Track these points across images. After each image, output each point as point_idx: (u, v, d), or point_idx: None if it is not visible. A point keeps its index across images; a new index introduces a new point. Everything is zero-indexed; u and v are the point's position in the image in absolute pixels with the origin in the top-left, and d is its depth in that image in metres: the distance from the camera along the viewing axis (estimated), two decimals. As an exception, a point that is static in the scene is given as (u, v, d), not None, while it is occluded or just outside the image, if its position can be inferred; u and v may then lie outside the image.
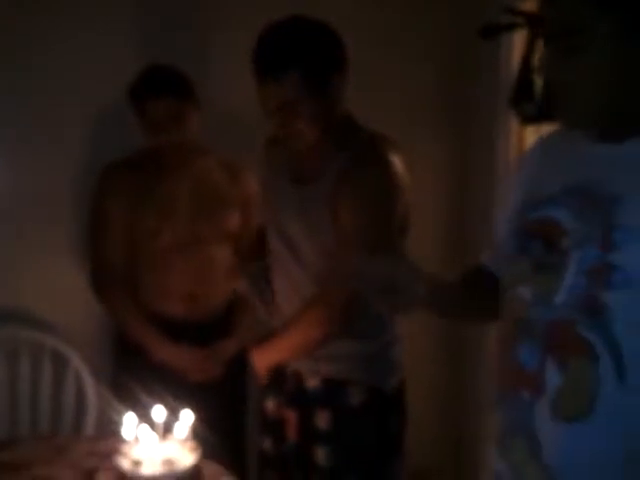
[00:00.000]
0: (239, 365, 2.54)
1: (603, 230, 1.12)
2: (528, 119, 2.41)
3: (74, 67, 2.66)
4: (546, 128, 2.95)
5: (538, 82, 2.15)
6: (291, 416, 2.10)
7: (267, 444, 2.20)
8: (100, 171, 2.49)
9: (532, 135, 2.71)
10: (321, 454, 2.04)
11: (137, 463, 1.78)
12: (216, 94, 2.61)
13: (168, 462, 1.78)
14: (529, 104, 2.32)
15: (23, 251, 2.70)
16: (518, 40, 2.60)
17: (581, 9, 1.15)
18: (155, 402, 1.96)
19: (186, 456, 1.81)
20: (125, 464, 1.79)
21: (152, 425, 1.87)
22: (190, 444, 1.86)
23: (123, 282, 2.50)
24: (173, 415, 1.92)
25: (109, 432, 2.25)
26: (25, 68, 2.64)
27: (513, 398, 1.23)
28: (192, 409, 1.92)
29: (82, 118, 2.72)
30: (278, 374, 2.15)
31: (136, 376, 2.36)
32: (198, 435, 1.93)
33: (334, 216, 1.94)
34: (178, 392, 2.21)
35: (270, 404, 2.19)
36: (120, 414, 1.97)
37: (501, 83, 2.74)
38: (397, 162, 1.96)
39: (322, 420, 2.04)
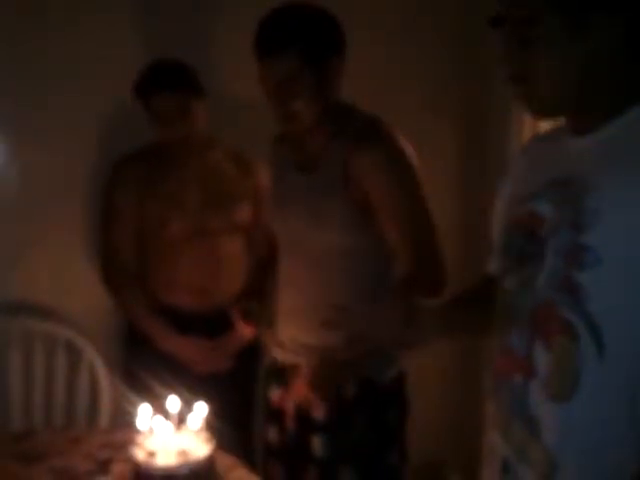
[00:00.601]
0: (248, 356, 2.57)
1: (574, 214, 1.16)
2: (540, 114, 2.41)
3: (85, 62, 2.67)
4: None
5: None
6: (289, 406, 2.12)
7: (271, 434, 2.22)
8: (111, 165, 2.51)
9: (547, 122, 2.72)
10: (317, 444, 2.06)
11: (151, 454, 1.79)
12: (223, 86, 2.62)
13: (182, 453, 1.79)
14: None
15: (36, 246, 2.72)
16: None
17: (532, 1, 1.19)
18: (168, 393, 1.98)
19: (200, 447, 1.82)
20: (139, 455, 1.80)
21: (166, 416, 1.89)
22: (204, 435, 1.87)
23: (133, 274, 2.52)
24: (187, 406, 1.93)
25: (123, 423, 2.27)
26: (37, 63, 2.65)
27: (507, 383, 1.27)
28: (203, 399, 1.94)
29: (93, 113, 2.72)
30: (280, 365, 2.16)
31: (148, 367, 2.38)
32: (211, 426, 1.95)
33: (350, 196, 1.96)
34: (189, 383, 2.23)
35: (273, 395, 2.20)
36: (134, 405, 1.99)
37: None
38: (403, 140, 2.00)
39: (317, 411, 2.05)
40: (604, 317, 1.12)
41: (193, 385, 2.20)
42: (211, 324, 2.51)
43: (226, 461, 1.96)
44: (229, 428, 2.25)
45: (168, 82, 2.36)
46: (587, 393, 1.15)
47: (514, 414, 1.26)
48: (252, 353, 2.59)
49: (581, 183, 1.17)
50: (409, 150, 2.00)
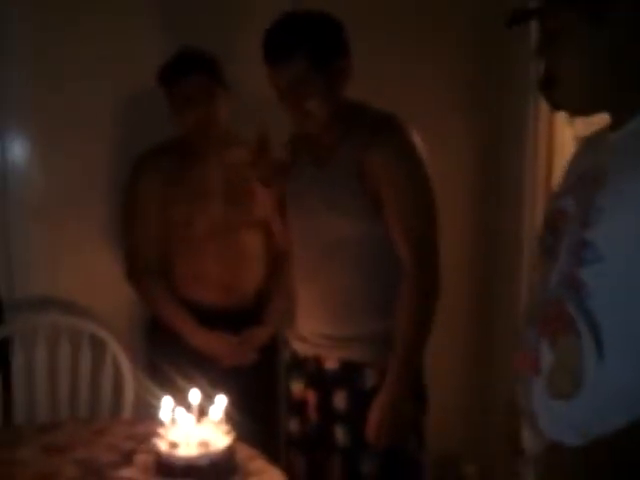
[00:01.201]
0: (271, 350, 2.59)
1: (585, 210, 1.17)
2: (557, 106, 2.41)
3: (105, 58, 2.70)
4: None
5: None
6: (311, 397, 2.16)
7: (293, 425, 2.25)
8: (134, 161, 2.53)
9: (562, 120, 2.71)
10: (340, 433, 2.10)
11: (173, 445, 1.81)
12: (241, 84, 2.62)
13: (203, 444, 1.82)
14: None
15: (62, 243, 2.75)
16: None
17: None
18: (190, 386, 2.01)
19: (221, 438, 1.85)
20: (162, 446, 1.83)
21: (188, 408, 1.91)
22: (225, 427, 1.89)
23: (157, 270, 2.54)
24: (208, 398, 1.96)
25: (146, 415, 2.30)
26: (56, 61, 2.68)
27: (521, 377, 1.29)
28: (225, 393, 1.96)
29: (114, 111, 2.76)
30: (301, 358, 2.19)
31: (171, 360, 2.41)
32: (232, 418, 1.97)
33: (363, 188, 2.00)
34: (211, 376, 2.26)
35: (295, 386, 2.23)
36: (157, 397, 2.01)
37: (531, 68, 2.74)
38: (415, 133, 2.04)
39: (339, 400, 2.10)
40: (603, 315, 1.12)
41: (215, 378, 2.23)
42: (235, 318, 2.52)
43: (246, 452, 1.98)
44: (251, 420, 2.26)
45: (193, 65, 2.40)
46: (588, 393, 1.14)
47: (526, 407, 1.28)
48: (273, 346, 2.61)
49: (598, 179, 1.18)
50: (421, 146, 2.04)
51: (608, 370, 1.12)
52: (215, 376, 2.28)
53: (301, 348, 2.20)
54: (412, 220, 2.02)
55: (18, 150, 2.70)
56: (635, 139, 1.17)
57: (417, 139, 2.04)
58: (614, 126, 1.24)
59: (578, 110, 1.32)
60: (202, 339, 2.47)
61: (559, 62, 1.23)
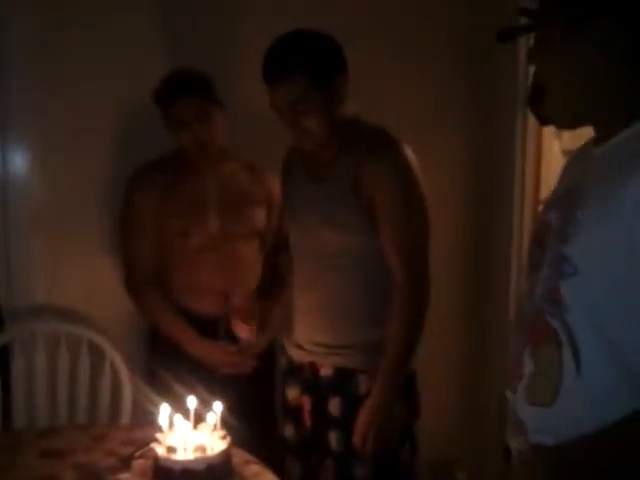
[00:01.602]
0: (268, 357, 2.62)
1: (565, 224, 1.19)
2: (544, 120, 2.45)
3: (104, 72, 2.73)
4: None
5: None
6: (306, 402, 2.20)
7: (288, 430, 2.29)
8: (131, 174, 2.56)
9: (550, 134, 2.76)
10: (334, 439, 2.14)
11: (171, 450, 1.84)
12: (237, 101, 2.67)
13: (200, 449, 1.84)
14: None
15: (61, 252, 2.79)
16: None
17: (542, 6, 1.25)
18: (187, 392, 2.04)
19: (217, 443, 1.87)
20: (160, 451, 1.85)
21: (185, 414, 1.94)
22: (220, 432, 1.92)
23: (155, 280, 2.57)
24: (204, 405, 1.99)
25: (144, 421, 2.33)
26: (57, 72, 2.72)
27: (512, 384, 1.31)
28: (223, 399, 1.99)
29: (115, 122, 2.79)
30: (297, 364, 2.24)
31: (169, 367, 2.45)
32: (228, 424, 2.01)
33: (360, 203, 2.05)
34: (209, 383, 2.30)
35: (291, 392, 2.28)
36: (154, 404, 2.05)
37: (520, 84, 2.78)
38: (407, 147, 2.09)
39: (333, 406, 2.14)
40: (580, 328, 1.15)
41: (213, 385, 2.27)
42: (230, 328, 2.54)
43: (242, 457, 2.01)
44: (249, 426, 2.31)
45: (188, 87, 2.43)
46: (566, 402, 1.17)
47: (514, 414, 1.31)
48: (270, 354, 2.63)
49: (579, 194, 1.20)
50: (414, 160, 2.09)
51: (584, 381, 1.15)
52: (213, 383, 2.31)
53: (297, 355, 2.24)
54: (404, 232, 2.07)
55: (18, 161, 2.73)
56: (615, 155, 1.19)
57: (410, 153, 2.09)
58: (598, 141, 1.26)
59: (563, 123, 1.34)
60: (200, 348, 2.49)
61: (547, 74, 1.26)
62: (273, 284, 2.65)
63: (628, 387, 1.13)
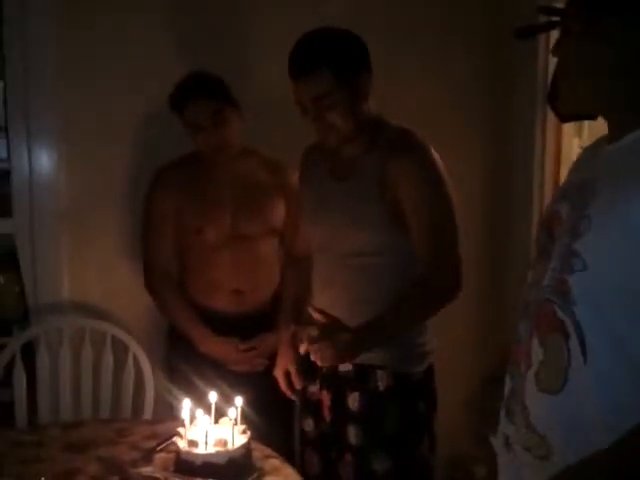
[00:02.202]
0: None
1: (577, 219, 1.21)
2: (564, 117, 2.45)
3: (125, 74, 2.78)
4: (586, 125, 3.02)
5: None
6: (326, 397, 2.22)
7: (308, 425, 2.31)
8: (152, 175, 2.59)
9: (570, 131, 2.76)
10: (352, 433, 2.15)
11: (192, 443, 1.86)
12: (258, 97, 2.70)
13: (221, 443, 1.87)
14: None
15: (85, 250, 2.83)
16: (555, 36, 2.64)
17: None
18: (208, 387, 2.06)
19: (237, 437, 1.89)
20: (181, 444, 1.88)
21: (206, 409, 1.96)
22: (241, 427, 1.94)
23: (173, 278, 2.60)
24: (225, 400, 2.01)
25: (166, 415, 2.37)
26: (84, 75, 2.76)
27: (516, 369, 1.33)
28: (242, 394, 2.01)
29: (136, 122, 2.82)
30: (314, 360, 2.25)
31: (189, 363, 2.48)
32: (248, 418, 2.03)
33: (384, 200, 2.06)
34: (228, 379, 2.32)
35: (310, 387, 2.29)
36: (176, 398, 2.07)
37: (539, 80, 2.78)
38: (435, 152, 2.10)
39: (352, 401, 2.15)
40: (587, 321, 1.17)
41: (232, 380, 2.30)
42: (249, 325, 2.56)
43: (261, 451, 2.04)
44: (268, 421, 2.33)
45: (202, 90, 2.45)
46: (573, 389, 1.19)
47: (516, 399, 1.32)
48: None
49: (591, 190, 1.21)
50: (440, 162, 2.10)
51: (591, 371, 1.17)
52: (232, 378, 2.34)
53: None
54: (431, 230, 2.06)
55: (44, 162, 2.76)
56: (627, 154, 1.20)
57: (436, 155, 2.10)
58: (611, 138, 1.26)
59: (576, 116, 1.36)
60: (210, 345, 2.51)
61: (563, 67, 1.27)
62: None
63: (632, 379, 1.15)
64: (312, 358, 2.05)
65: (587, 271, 1.17)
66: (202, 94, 2.44)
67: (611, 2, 1.20)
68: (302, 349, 2.17)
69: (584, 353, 1.18)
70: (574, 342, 1.19)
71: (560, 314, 1.21)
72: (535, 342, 1.26)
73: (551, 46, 1.33)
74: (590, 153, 1.38)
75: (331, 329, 2.02)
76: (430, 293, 2.08)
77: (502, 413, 1.38)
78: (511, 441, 1.34)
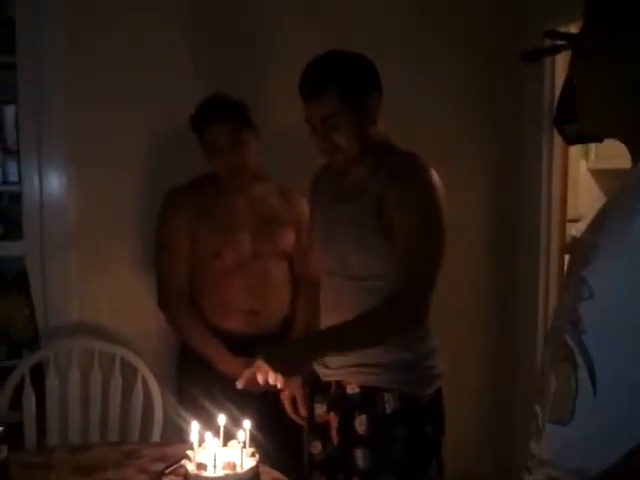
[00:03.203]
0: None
1: (587, 246, 1.20)
2: (571, 140, 2.46)
3: (138, 96, 2.81)
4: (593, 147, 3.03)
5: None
6: (333, 420, 2.22)
7: (315, 448, 2.31)
8: (165, 195, 2.61)
9: (576, 153, 2.77)
10: (360, 456, 2.14)
11: (201, 466, 1.86)
12: (272, 122, 2.74)
13: (229, 466, 1.86)
14: (571, 126, 2.37)
15: (95, 272, 2.85)
16: (561, 59, 2.66)
17: (585, 19, 1.24)
18: (217, 409, 2.06)
19: (246, 460, 1.89)
20: (190, 467, 1.87)
21: (215, 431, 1.96)
22: (249, 450, 1.94)
23: (187, 298, 2.61)
24: (234, 422, 2.01)
25: (175, 438, 2.36)
26: (94, 95, 2.79)
27: (540, 399, 1.30)
28: (251, 416, 2.01)
29: (150, 142, 2.85)
30: (324, 382, 2.25)
31: (199, 385, 2.49)
32: (257, 441, 2.03)
33: (383, 226, 2.07)
34: (238, 400, 2.32)
35: (318, 409, 2.29)
36: (185, 421, 2.07)
37: (545, 103, 2.80)
38: (435, 174, 2.11)
39: (360, 424, 2.15)
40: (596, 350, 1.15)
41: (241, 402, 2.30)
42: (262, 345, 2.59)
43: (270, 474, 2.03)
44: (277, 443, 2.33)
45: (222, 113, 2.48)
46: (582, 420, 1.17)
47: (537, 428, 1.30)
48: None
49: (603, 217, 1.20)
50: (439, 188, 2.09)
51: (600, 404, 1.15)
52: (242, 400, 2.34)
53: (324, 373, 2.25)
54: (414, 255, 2.04)
55: (54, 183, 2.79)
56: (634, 179, 1.19)
57: (436, 180, 2.09)
58: (634, 160, 1.23)
59: (582, 139, 1.33)
60: (228, 365, 2.50)
61: (585, 86, 1.25)
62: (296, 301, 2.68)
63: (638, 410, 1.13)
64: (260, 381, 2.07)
65: (593, 299, 1.15)
66: (222, 115, 2.48)
67: (630, 19, 1.17)
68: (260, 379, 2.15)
69: (594, 384, 1.16)
70: (583, 372, 1.17)
71: (570, 343, 1.19)
72: (551, 371, 1.25)
73: (558, 68, 1.33)
74: (623, 176, 1.32)
75: (270, 348, 2.10)
76: (387, 314, 2.05)
77: (530, 440, 1.35)
78: (531, 467, 1.31)
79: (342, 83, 2.07)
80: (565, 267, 1.39)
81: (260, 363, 2.05)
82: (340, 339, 2.11)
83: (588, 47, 1.22)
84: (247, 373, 2.10)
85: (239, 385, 2.14)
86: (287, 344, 2.07)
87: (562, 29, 2.50)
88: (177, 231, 2.58)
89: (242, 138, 2.48)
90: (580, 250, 1.25)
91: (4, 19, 2.71)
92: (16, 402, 2.60)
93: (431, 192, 2.08)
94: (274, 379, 2.04)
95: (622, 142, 1.27)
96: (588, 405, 1.17)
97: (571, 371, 1.18)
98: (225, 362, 2.52)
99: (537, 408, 1.33)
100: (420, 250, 2.06)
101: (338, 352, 2.14)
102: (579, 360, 1.17)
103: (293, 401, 2.37)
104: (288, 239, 2.62)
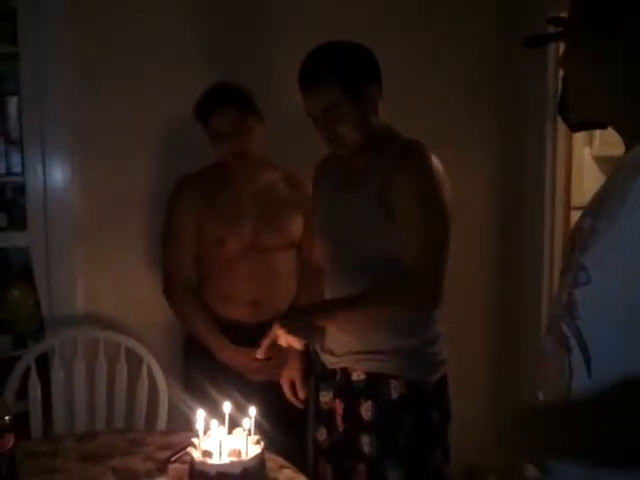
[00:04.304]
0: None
1: (587, 232, 1.19)
2: (574, 126, 2.46)
3: (142, 86, 2.80)
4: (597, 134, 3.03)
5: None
6: (339, 406, 2.23)
7: (321, 434, 2.32)
8: (173, 185, 2.63)
9: (580, 140, 2.76)
10: (365, 442, 2.15)
11: (206, 454, 1.86)
12: (278, 109, 2.72)
13: (235, 453, 1.87)
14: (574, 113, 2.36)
15: (100, 262, 2.85)
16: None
17: (571, 9, 1.25)
18: (222, 397, 2.07)
19: (251, 448, 1.89)
20: (195, 455, 1.87)
21: (220, 419, 1.97)
22: (254, 437, 1.94)
23: (192, 287, 2.63)
24: (239, 410, 2.01)
25: (180, 426, 2.37)
26: (98, 87, 2.79)
27: (541, 383, 1.30)
28: (257, 404, 2.01)
29: (155, 133, 2.86)
30: (330, 369, 2.26)
31: (205, 373, 2.51)
32: (262, 429, 2.04)
33: (385, 213, 2.07)
34: (244, 389, 2.33)
35: (323, 397, 2.30)
36: (190, 409, 2.08)
37: (549, 90, 2.79)
38: (436, 161, 2.11)
39: (365, 411, 2.16)
40: (591, 336, 1.15)
41: (246, 390, 2.31)
42: (263, 335, 2.57)
43: (275, 461, 2.05)
44: (282, 431, 2.34)
45: (226, 100, 2.49)
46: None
47: None
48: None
49: (602, 203, 1.19)
50: (440, 174, 2.10)
51: (595, 388, 1.13)
52: (247, 388, 2.35)
53: (330, 361, 2.27)
54: (420, 237, 2.05)
55: (58, 175, 2.79)
56: (633, 166, 1.17)
57: (437, 166, 2.10)
58: (627, 148, 1.23)
59: (587, 125, 1.32)
60: (228, 355, 2.53)
61: (573, 78, 1.25)
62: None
63: None
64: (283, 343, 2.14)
65: (590, 285, 1.15)
66: (227, 102, 2.48)
67: (628, 9, 1.16)
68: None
69: (588, 368, 1.15)
70: (577, 356, 1.17)
71: (565, 329, 1.20)
72: (551, 358, 1.25)
73: (560, 55, 1.32)
74: (617, 163, 1.32)
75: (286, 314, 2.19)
76: (403, 291, 2.07)
77: None
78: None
79: (343, 74, 2.06)
80: (562, 255, 1.38)
81: (277, 329, 2.13)
82: (352, 302, 2.11)
83: (572, 41, 1.23)
84: (265, 342, 2.17)
85: (259, 355, 2.21)
86: (301, 308, 2.12)
87: (566, 15, 2.49)
88: (183, 221, 2.59)
89: (247, 125, 2.48)
90: (579, 236, 1.24)
91: (6, 10, 2.70)
92: (22, 391, 2.61)
93: (432, 177, 2.08)
94: (288, 341, 2.12)
95: (614, 129, 1.26)
96: (583, 389, 1.16)
97: (565, 356, 1.19)
98: (224, 351, 2.54)
99: (540, 395, 1.33)
100: (427, 234, 2.06)
101: (348, 315, 2.14)
102: (573, 345, 1.17)
103: (292, 385, 2.38)
104: (296, 227, 2.62)
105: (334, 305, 2.17)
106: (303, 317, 2.18)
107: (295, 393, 2.40)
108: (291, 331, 2.11)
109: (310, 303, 2.20)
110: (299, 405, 2.41)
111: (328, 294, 2.27)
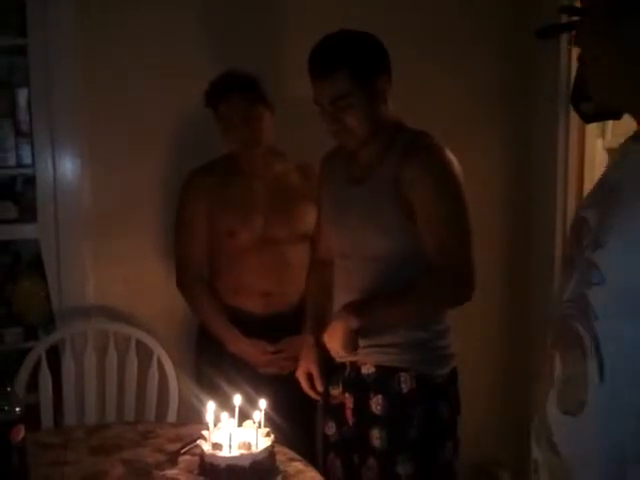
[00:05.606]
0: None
1: (598, 228, 1.14)
2: (588, 117, 2.44)
3: (152, 77, 2.79)
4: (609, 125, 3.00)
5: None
6: (349, 400, 2.22)
7: (330, 428, 2.32)
8: (185, 177, 2.63)
9: (593, 132, 2.74)
10: (375, 436, 2.15)
11: (216, 446, 1.87)
12: (290, 98, 2.71)
13: (245, 446, 1.87)
14: (588, 103, 2.35)
15: (110, 254, 2.85)
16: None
17: None
18: (233, 390, 2.07)
19: (261, 441, 1.90)
20: (206, 447, 1.88)
21: (230, 412, 1.97)
22: (265, 430, 1.94)
23: (204, 279, 2.63)
24: (249, 402, 2.02)
25: (190, 418, 2.37)
26: (107, 79, 2.78)
27: (544, 389, 1.26)
28: (267, 397, 2.02)
29: (164, 125, 2.85)
30: (339, 363, 2.26)
31: (216, 365, 2.51)
32: (272, 421, 2.04)
33: (400, 204, 2.06)
34: (254, 381, 2.33)
35: (333, 390, 2.30)
36: (201, 401, 2.08)
37: (561, 81, 2.77)
38: (449, 153, 2.10)
39: (375, 404, 2.15)
40: (606, 338, 1.11)
41: (257, 383, 2.31)
42: (277, 327, 2.58)
43: (285, 454, 2.04)
44: (292, 424, 2.35)
45: (236, 88, 2.49)
46: (593, 409, 1.12)
47: (542, 421, 1.26)
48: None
49: (616, 196, 1.14)
50: (456, 164, 2.09)
51: (606, 394, 1.11)
52: (258, 381, 2.35)
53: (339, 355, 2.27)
54: (444, 228, 2.06)
55: (68, 166, 2.79)
56: None
57: (452, 157, 2.09)
58: (638, 136, 1.18)
59: (600, 116, 1.27)
60: (239, 346, 2.54)
61: (593, 58, 1.19)
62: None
63: None
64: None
65: (604, 285, 1.10)
66: (237, 90, 2.48)
67: None
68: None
69: (601, 371, 1.11)
70: (592, 360, 1.12)
71: (580, 330, 1.14)
72: (556, 359, 1.20)
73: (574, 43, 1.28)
74: (621, 152, 1.27)
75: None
76: (438, 284, 2.08)
77: (532, 436, 1.32)
78: (538, 464, 1.28)
79: (354, 63, 2.05)
80: (564, 249, 1.34)
81: (329, 345, 2.15)
82: (390, 303, 2.11)
83: (591, 22, 1.17)
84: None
85: (270, 348, 2.38)
86: (339, 318, 2.12)
87: (578, 5, 2.47)
88: (196, 212, 2.59)
89: (256, 113, 2.48)
90: (584, 230, 1.19)
91: (15, 2, 2.70)
92: (33, 383, 2.62)
93: (446, 166, 2.07)
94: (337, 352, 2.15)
95: (632, 116, 1.21)
96: (596, 395, 1.12)
97: (581, 359, 1.14)
98: (234, 343, 2.54)
99: (550, 393, 1.28)
100: (450, 223, 2.07)
101: (387, 317, 2.13)
102: (588, 347, 1.13)
103: (309, 377, 2.37)
104: (308, 218, 2.59)
105: (372, 309, 2.12)
106: (348, 330, 2.11)
107: (312, 385, 2.39)
108: (345, 348, 2.11)
109: (348, 309, 2.12)
110: (317, 397, 2.40)
111: (338, 289, 2.26)
